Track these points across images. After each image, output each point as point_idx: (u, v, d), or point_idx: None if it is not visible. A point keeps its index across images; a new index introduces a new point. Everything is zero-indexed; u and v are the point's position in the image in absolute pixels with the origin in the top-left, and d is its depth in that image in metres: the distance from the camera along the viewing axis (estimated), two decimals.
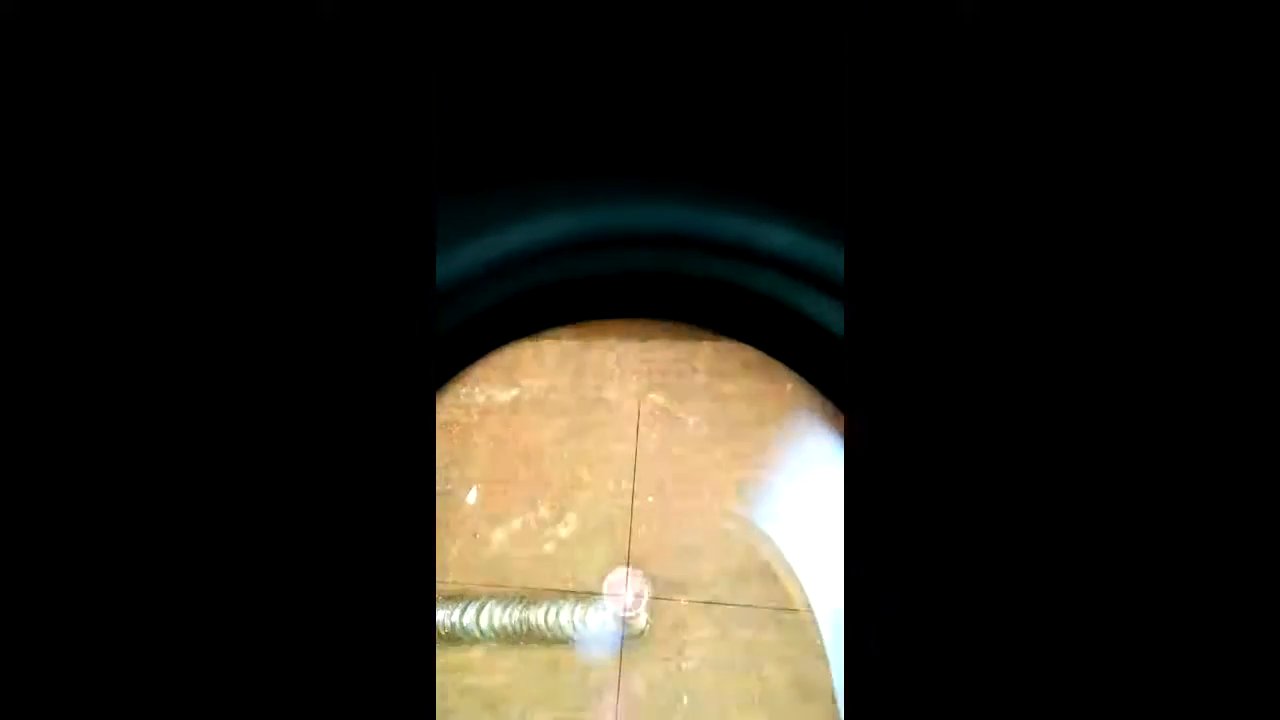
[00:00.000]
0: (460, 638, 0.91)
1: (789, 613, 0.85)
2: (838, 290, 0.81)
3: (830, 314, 0.82)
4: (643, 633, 0.88)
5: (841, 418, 0.88)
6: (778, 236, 0.82)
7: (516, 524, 0.93)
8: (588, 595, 0.90)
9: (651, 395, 0.93)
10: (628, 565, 0.90)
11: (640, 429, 0.93)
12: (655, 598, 0.89)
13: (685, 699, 0.85)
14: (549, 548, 0.92)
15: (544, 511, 0.93)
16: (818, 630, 0.83)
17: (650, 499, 0.91)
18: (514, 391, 0.95)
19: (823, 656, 0.82)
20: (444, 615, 0.91)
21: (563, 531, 0.93)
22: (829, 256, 0.80)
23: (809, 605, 0.84)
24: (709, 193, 0.83)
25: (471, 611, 0.92)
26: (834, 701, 0.80)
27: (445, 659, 0.90)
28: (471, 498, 0.94)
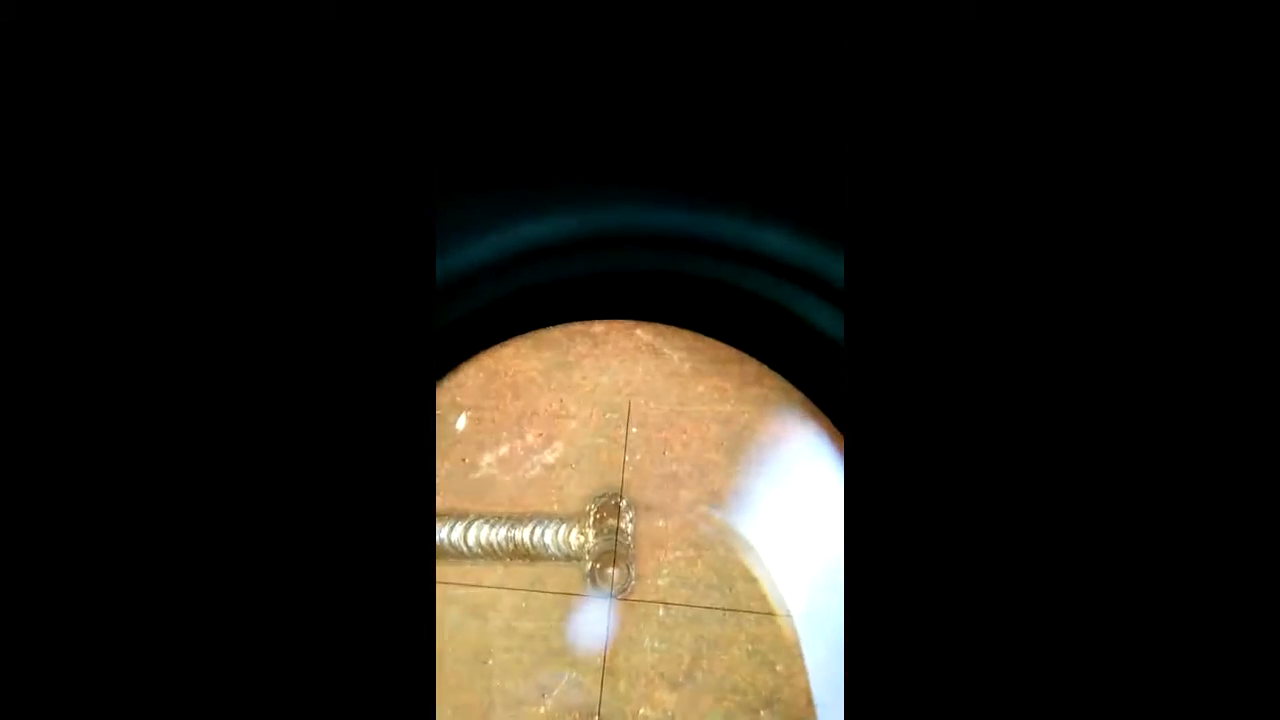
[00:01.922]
0: (448, 553, 0.97)
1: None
2: (829, 293, 0.84)
3: (822, 316, 0.86)
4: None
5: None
6: (772, 240, 0.85)
7: (504, 450, 0.98)
8: (572, 517, 0.96)
9: (637, 331, 0.98)
10: (620, 497, 0.96)
11: (625, 362, 0.98)
12: (636, 520, 0.95)
13: (661, 611, 0.91)
14: (535, 473, 0.98)
15: (531, 438, 0.98)
16: (786, 554, 0.90)
17: (634, 429, 0.97)
18: None
19: (789, 578, 0.89)
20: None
21: (549, 457, 0.98)
22: (822, 260, 0.83)
23: (780, 532, 0.91)
24: (706, 196, 0.86)
25: (460, 529, 0.97)
26: (789, 616, 0.88)
27: (435, 569, 0.96)
28: (460, 424, 0.98)
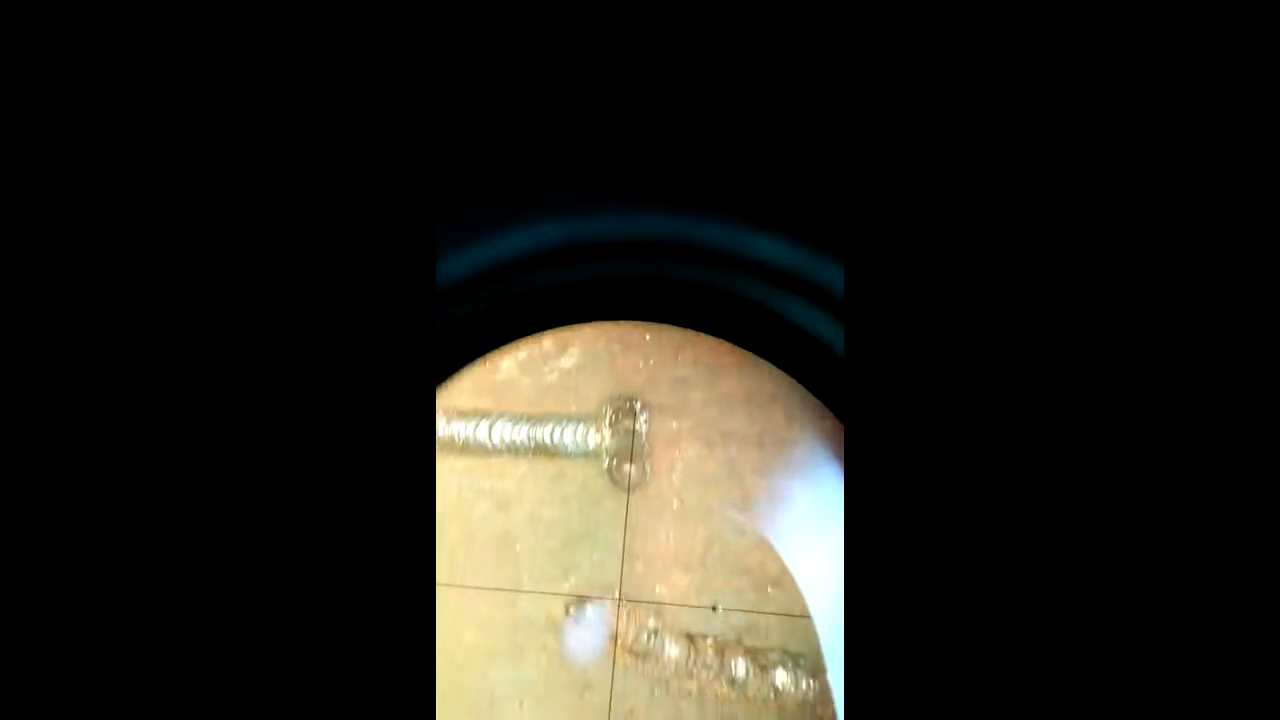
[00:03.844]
0: (474, 449, 1.05)
1: (770, 434, 1.02)
2: (825, 299, 0.86)
3: (818, 322, 0.89)
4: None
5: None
6: (765, 247, 0.86)
7: (522, 354, 1.06)
8: (589, 418, 1.05)
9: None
10: (632, 401, 1.05)
11: None
12: (650, 420, 1.04)
13: (675, 503, 1.02)
14: (552, 376, 1.05)
15: (548, 344, 1.05)
16: (794, 449, 1.01)
17: (647, 336, 1.05)
18: None
19: (804, 467, 1.00)
20: (460, 428, 1.05)
21: (565, 363, 1.06)
22: (817, 266, 0.85)
23: (790, 430, 1.01)
24: (698, 203, 0.86)
25: (484, 426, 1.05)
26: (796, 508, 0.99)
27: (463, 463, 1.04)
28: None
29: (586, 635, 0.99)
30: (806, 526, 0.98)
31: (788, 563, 0.97)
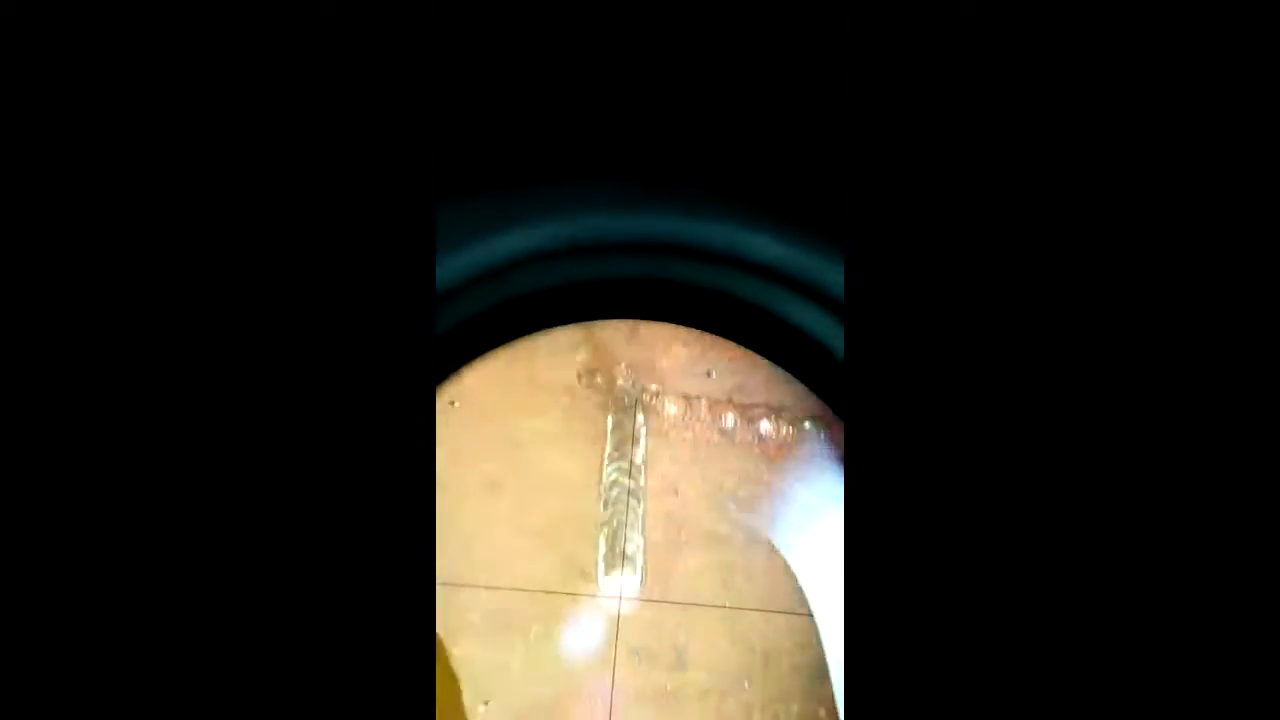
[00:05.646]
0: None
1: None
2: (825, 299, 0.90)
3: (818, 323, 0.93)
4: None
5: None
6: (764, 246, 0.89)
7: None
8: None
9: None
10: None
11: None
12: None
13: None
14: None
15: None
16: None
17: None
18: None
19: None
20: None
21: None
22: (817, 266, 0.88)
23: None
24: (696, 202, 0.88)
25: None
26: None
27: None
28: None
29: (593, 395, 1.16)
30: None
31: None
